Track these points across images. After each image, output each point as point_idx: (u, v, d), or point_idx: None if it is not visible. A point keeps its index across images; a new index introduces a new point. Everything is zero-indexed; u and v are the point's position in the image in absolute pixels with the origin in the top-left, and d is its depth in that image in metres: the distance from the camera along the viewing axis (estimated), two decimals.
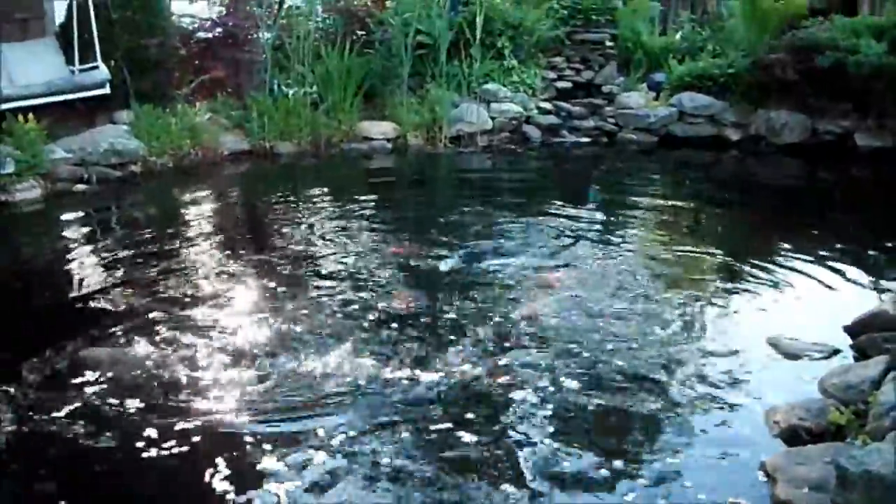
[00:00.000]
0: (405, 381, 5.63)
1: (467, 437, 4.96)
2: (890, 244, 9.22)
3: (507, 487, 4.48)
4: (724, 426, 5.20)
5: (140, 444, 4.80)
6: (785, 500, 4.23)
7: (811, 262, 8.39)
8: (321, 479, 4.49)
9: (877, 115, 13.93)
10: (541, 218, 10.09)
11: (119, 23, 13.29)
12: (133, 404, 5.28)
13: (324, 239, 9.26)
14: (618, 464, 4.72)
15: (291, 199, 11.66)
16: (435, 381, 5.64)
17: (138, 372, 5.73)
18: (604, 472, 4.64)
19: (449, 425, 5.09)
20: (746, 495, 4.40)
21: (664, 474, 4.65)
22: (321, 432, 4.98)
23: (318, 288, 7.52)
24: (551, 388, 5.59)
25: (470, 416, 5.22)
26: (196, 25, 15.30)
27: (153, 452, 4.74)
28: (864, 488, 3.63)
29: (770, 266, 8.30)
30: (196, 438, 4.91)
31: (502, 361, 5.99)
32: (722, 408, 5.42)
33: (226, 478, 4.51)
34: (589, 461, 4.76)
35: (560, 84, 16.99)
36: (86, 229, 10.29)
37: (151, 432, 4.92)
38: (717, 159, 14.54)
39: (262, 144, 13.90)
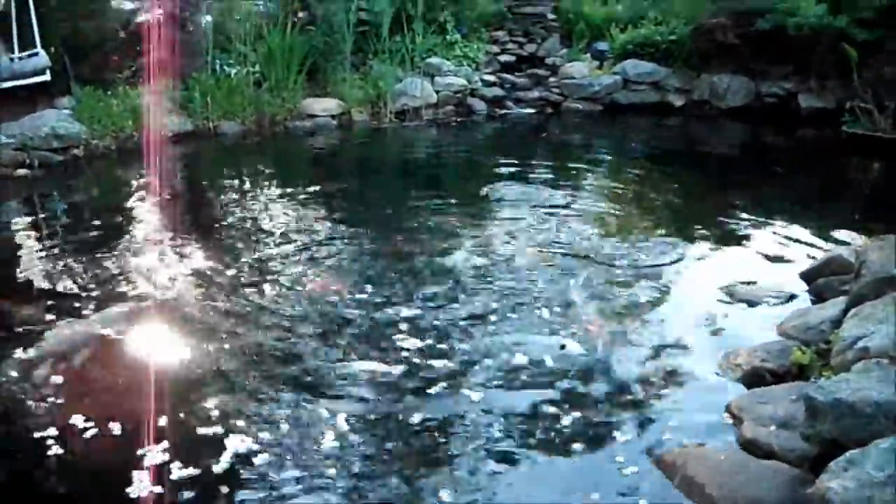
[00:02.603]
0: None
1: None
2: (836, 201, 9.32)
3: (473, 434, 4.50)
4: (683, 372, 5.21)
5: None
6: (751, 439, 4.22)
7: (761, 219, 8.44)
8: None
9: (818, 77, 13.99)
10: (488, 189, 10.03)
11: (57, 8, 13.02)
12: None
13: (263, 221, 9.02)
14: (578, 412, 4.72)
15: (234, 178, 11.50)
16: None
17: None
18: (568, 418, 4.64)
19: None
20: (711, 437, 4.40)
21: (626, 422, 4.65)
22: None
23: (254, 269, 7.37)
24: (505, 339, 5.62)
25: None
26: (136, 7, 14.99)
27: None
28: (834, 417, 3.62)
29: (720, 224, 8.34)
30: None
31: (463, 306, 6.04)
32: (681, 355, 5.43)
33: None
34: (552, 409, 4.75)
35: (503, 58, 16.87)
36: (29, 213, 10.03)
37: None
38: (662, 125, 14.54)
39: (206, 124, 13.65)
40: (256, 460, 4.32)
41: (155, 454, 4.35)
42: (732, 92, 14.57)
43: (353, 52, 15.27)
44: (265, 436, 4.54)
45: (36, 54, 12.59)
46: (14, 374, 5.35)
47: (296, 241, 8.09)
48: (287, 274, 7.15)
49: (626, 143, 13.75)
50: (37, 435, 4.58)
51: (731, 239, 7.88)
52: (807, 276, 6.45)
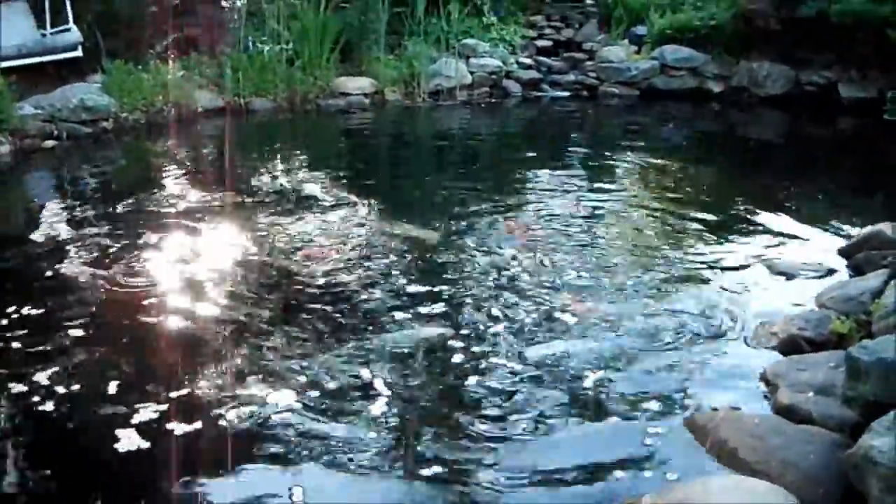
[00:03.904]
0: None
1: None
2: (876, 186, 9.10)
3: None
4: (717, 340, 5.07)
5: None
6: (787, 405, 4.05)
7: (800, 201, 8.27)
8: None
9: (860, 66, 13.69)
10: (520, 171, 9.91)
11: None
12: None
13: (288, 194, 8.83)
14: (610, 376, 4.61)
15: (262, 153, 11.35)
16: None
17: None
18: (600, 381, 4.54)
19: None
20: (744, 403, 4.26)
21: (656, 386, 4.51)
22: None
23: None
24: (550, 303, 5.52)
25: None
26: None
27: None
28: (878, 378, 3.46)
29: (759, 204, 8.09)
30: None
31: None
32: (715, 323, 5.27)
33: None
34: (584, 371, 4.63)
35: (540, 42, 16.70)
36: (54, 183, 10.12)
37: None
38: (700, 111, 14.29)
39: (237, 100, 13.58)
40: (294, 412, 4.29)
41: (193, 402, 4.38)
42: (772, 80, 14.27)
43: (388, 33, 15.19)
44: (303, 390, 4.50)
45: (68, 30, 12.73)
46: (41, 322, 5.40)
47: (322, 215, 7.93)
48: (305, 243, 7.04)
49: (664, 127, 13.51)
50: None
51: (770, 218, 7.65)
52: (846, 252, 6.29)
